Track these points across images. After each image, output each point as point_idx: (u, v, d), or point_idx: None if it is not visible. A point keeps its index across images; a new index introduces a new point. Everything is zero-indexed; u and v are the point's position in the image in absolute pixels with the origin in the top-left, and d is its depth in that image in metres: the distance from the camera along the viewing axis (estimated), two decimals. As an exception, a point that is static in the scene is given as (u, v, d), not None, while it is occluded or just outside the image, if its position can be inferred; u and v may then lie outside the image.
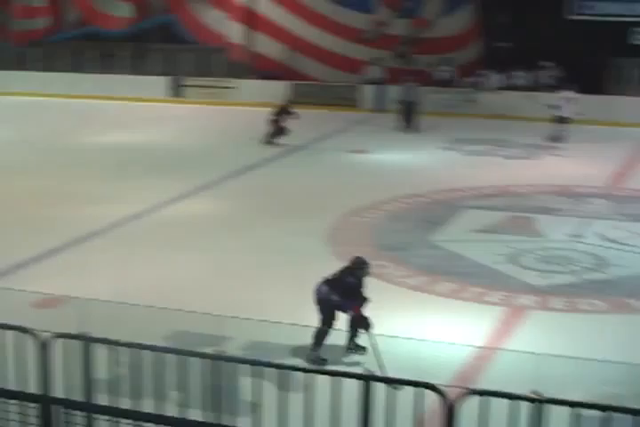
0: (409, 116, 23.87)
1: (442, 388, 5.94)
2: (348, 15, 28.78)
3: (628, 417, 5.46)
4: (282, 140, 21.76)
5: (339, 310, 9.71)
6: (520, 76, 26.43)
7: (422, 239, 14.54)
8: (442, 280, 12.59)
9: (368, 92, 27.46)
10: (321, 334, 9.75)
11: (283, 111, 21.93)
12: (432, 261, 13.49)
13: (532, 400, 5.71)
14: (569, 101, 22.28)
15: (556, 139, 22.16)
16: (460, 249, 13.95)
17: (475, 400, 5.93)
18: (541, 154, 21.03)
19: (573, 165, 19.85)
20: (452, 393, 5.99)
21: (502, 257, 13.57)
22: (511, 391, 5.82)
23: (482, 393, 5.99)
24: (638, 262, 13.41)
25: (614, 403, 8.22)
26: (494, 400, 5.91)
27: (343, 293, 9.61)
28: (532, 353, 9.09)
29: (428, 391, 6.12)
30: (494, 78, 26.52)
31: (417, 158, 20.96)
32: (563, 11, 26.38)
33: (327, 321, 9.74)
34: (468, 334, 10.76)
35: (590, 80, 24.93)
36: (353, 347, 9.97)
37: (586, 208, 16.46)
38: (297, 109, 22.17)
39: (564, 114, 22.25)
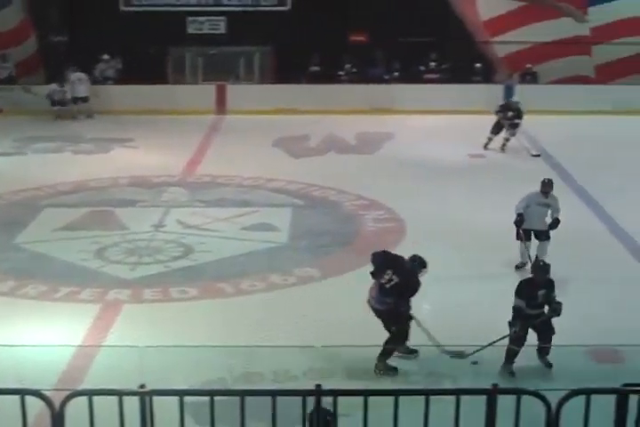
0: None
1: (46, 393, 5.69)
2: None
3: (235, 399, 5.65)
4: None
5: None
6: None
7: (5, 243, 14.09)
8: (31, 283, 12.31)
9: None
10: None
11: None
12: (18, 264, 13.17)
13: (137, 394, 5.68)
14: (82, 82, 23.92)
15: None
16: (45, 250, 13.72)
17: (82, 401, 5.73)
18: (113, 147, 20.99)
19: (147, 156, 20.04)
20: (57, 397, 5.75)
21: (89, 253, 13.52)
22: (118, 387, 5.76)
23: (87, 393, 5.86)
24: (221, 247, 13.91)
25: (219, 386, 8.63)
26: (101, 398, 5.75)
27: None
28: (134, 346, 9.16)
29: (33, 399, 5.75)
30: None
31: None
32: (118, 2, 26.51)
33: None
34: (66, 334, 10.66)
35: (152, 70, 25.33)
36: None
37: (164, 197, 16.74)
38: None
39: (80, 94, 23.88)
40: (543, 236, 12.79)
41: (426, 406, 5.55)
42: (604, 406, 5.60)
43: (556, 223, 12.75)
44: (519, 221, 12.63)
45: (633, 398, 5.56)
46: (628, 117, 23.59)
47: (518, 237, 12.79)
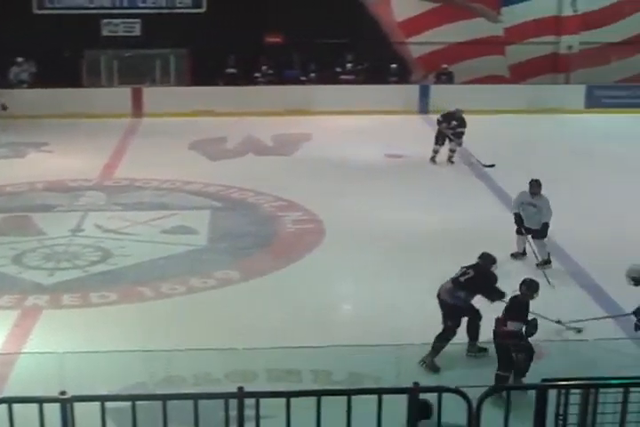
0: None
1: None
2: None
3: (157, 403, 5.64)
4: None
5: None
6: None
7: None
8: (-53, 291, 12.10)
9: None
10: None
11: None
12: None
13: (58, 401, 5.63)
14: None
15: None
16: (-39, 256, 13.48)
17: (2, 409, 5.57)
18: (29, 151, 20.71)
19: (63, 160, 19.79)
20: None
21: (6, 259, 13.34)
22: (39, 394, 5.70)
23: (6, 401, 5.78)
24: (140, 250, 13.82)
25: (141, 391, 8.58)
26: (22, 406, 5.60)
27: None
28: (54, 353, 9.08)
29: None
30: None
31: None
32: (32, 6, 26.17)
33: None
34: (-16, 342, 10.49)
35: (67, 74, 25.07)
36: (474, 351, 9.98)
37: (82, 202, 16.57)
38: None
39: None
40: (536, 234, 13.19)
41: (348, 405, 5.59)
42: (525, 402, 5.71)
43: (544, 229, 13.10)
44: (518, 220, 13.23)
45: (552, 393, 5.69)
46: (542, 116, 24.02)
47: (519, 232, 13.28)
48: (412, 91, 25.43)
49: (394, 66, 26.47)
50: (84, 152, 20.47)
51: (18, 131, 22.67)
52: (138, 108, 24.98)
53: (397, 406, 5.65)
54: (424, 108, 25.04)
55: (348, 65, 26.54)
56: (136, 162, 19.59)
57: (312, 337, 10.31)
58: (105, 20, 26.62)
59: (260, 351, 9.71)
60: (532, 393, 5.80)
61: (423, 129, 22.74)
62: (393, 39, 27.28)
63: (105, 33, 26.68)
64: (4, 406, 5.62)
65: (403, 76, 26.65)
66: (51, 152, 20.81)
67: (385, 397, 5.58)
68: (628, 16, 27.17)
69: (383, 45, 26.91)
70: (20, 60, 25.43)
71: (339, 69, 26.47)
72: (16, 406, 5.58)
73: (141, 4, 26.70)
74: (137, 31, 26.76)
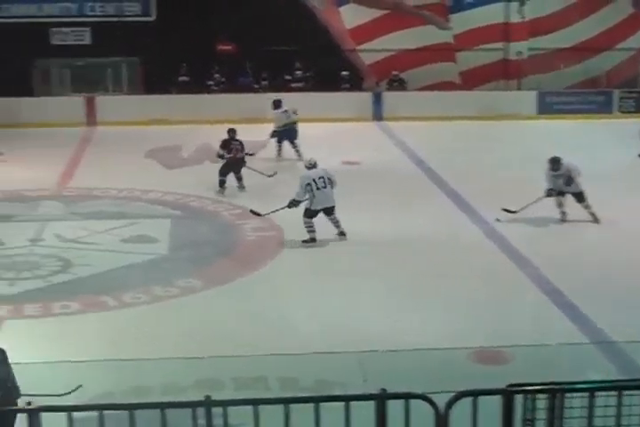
0: None
1: None
2: None
3: (124, 413, 5.65)
4: None
5: None
6: None
7: None
8: None
9: None
10: None
11: None
12: None
13: (24, 411, 5.63)
14: None
15: None
16: None
17: None
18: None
19: (18, 170, 19.63)
20: None
21: (-36, 270, 13.21)
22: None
23: None
24: (101, 259, 13.75)
25: (107, 401, 8.54)
26: None
27: None
28: (17, 363, 9.00)
29: None
30: None
31: None
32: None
33: None
34: (-55, 353, 10.35)
35: (17, 83, 24.88)
36: None
37: (40, 211, 16.48)
38: None
39: None
40: (578, 196, 15.12)
41: (316, 413, 5.63)
42: (491, 407, 5.77)
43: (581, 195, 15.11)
44: (549, 194, 15.07)
45: (518, 399, 5.75)
46: (493, 122, 24.29)
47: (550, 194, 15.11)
48: (364, 98, 25.59)
49: (345, 73, 26.62)
50: (38, 161, 20.38)
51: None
52: (91, 117, 24.91)
53: (365, 413, 5.68)
54: (378, 115, 25.23)
55: (297, 72, 26.65)
56: (92, 171, 19.51)
57: (277, 345, 10.35)
58: (54, 29, 26.49)
59: (226, 360, 9.74)
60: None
61: (378, 136, 22.97)
62: (344, 46, 27.42)
63: (55, 42, 26.54)
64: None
65: (355, 84, 26.80)
66: (4, 162, 20.65)
67: (352, 403, 5.64)
68: (576, 22, 27.56)
69: (334, 53, 27.04)
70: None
71: (288, 77, 26.58)
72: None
73: (90, 13, 26.59)
74: (87, 40, 26.68)
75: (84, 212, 16.37)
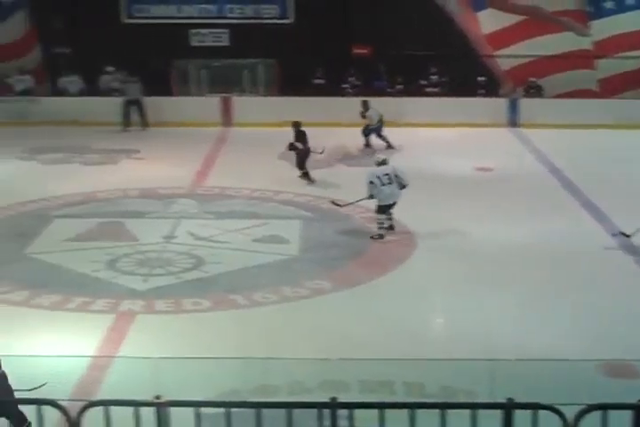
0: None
1: (62, 403, 5.73)
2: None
3: (250, 411, 5.68)
4: None
5: None
6: (73, 82, 26.15)
7: (16, 253, 14.12)
8: (44, 293, 12.34)
9: None
10: None
11: None
12: (31, 274, 13.17)
13: (153, 405, 5.71)
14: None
15: None
16: (57, 260, 13.73)
17: (98, 412, 5.77)
18: (121, 158, 21.07)
19: (155, 168, 20.06)
20: (73, 407, 5.80)
21: (101, 264, 13.54)
22: (133, 398, 5.76)
23: (103, 403, 5.89)
24: (232, 258, 13.93)
25: (234, 398, 8.64)
26: (117, 409, 5.80)
27: None
28: (149, 358, 9.18)
29: (49, 408, 5.81)
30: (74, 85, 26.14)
31: (-7, 171, 20.12)
32: (120, 15, 26.58)
33: None
34: (80, 345, 10.68)
35: (157, 83, 25.42)
36: None
37: (174, 209, 16.75)
38: None
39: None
40: None
41: (441, 419, 5.55)
42: (620, 423, 5.60)
43: None
44: None
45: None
46: (629, 131, 23.68)
47: None
48: (500, 104, 25.25)
49: (482, 78, 26.35)
50: (174, 160, 20.75)
51: (110, 138, 23.11)
52: (227, 117, 25.24)
53: (491, 423, 5.60)
54: (513, 122, 24.89)
55: (433, 77, 26.49)
56: (226, 171, 19.78)
57: (404, 349, 10.33)
58: (193, 30, 26.94)
59: (352, 362, 9.73)
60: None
61: (512, 142, 22.64)
62: (481, 52, 27.15)
63: (193, 43, 26.99)
64: (101, 408, 5.74)
65: (491, 89, 26.50)
66: (142, 159, 21.15)
67: (479, 412, 5.56)
68: None
69: (470, 58, 26.79)
70: (110, 69, 25.89)
71: (423, 82, 26.45)
72: (112, 409, 5.70)
73: (229, 14, 26.94)
74: (225, 41, 26.99)
75: (218, 211, 16.58)
